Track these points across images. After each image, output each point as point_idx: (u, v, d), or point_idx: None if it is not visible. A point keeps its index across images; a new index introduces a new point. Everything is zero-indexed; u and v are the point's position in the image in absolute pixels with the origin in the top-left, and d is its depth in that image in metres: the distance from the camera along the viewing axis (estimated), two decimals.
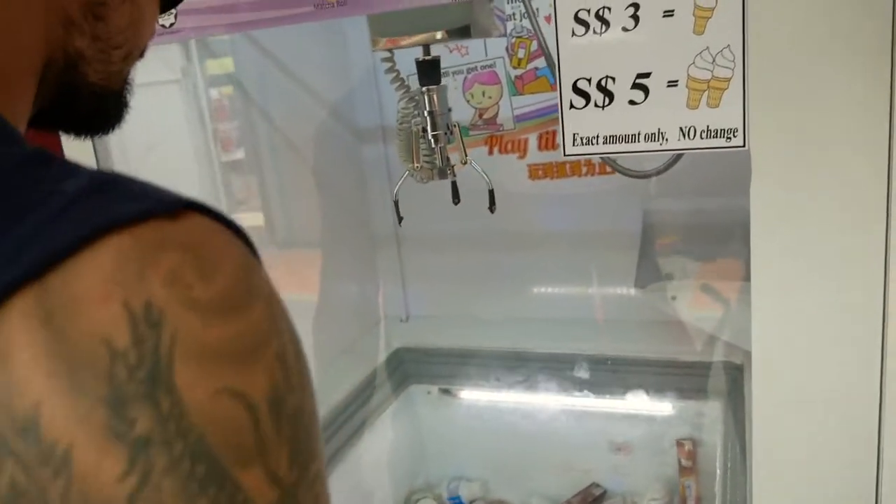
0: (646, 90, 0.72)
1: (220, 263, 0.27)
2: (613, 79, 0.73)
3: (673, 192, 1.41)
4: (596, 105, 0.74)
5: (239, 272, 0.28)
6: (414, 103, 1.05)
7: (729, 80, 0.69)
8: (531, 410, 1.59)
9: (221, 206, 1.32)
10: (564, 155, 0.76)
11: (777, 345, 0.72)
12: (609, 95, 0.73)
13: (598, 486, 1.55)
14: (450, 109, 1.04)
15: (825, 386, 0.71)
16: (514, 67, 1.45)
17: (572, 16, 0.72)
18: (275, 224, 1.50)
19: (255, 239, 0.31)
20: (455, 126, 1.05)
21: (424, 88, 1.02)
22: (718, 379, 1.44)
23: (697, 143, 0.71)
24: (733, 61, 0.68)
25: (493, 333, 1.59)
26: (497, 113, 1.49)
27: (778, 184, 0.69)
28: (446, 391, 1.65)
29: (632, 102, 0.73)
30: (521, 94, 1.47)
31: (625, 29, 0.71)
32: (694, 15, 0.69)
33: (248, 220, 1.45)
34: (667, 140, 0.72)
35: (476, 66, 1.47)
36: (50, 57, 0.37)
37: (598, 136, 0.75)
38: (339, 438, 1.45)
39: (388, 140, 1.59)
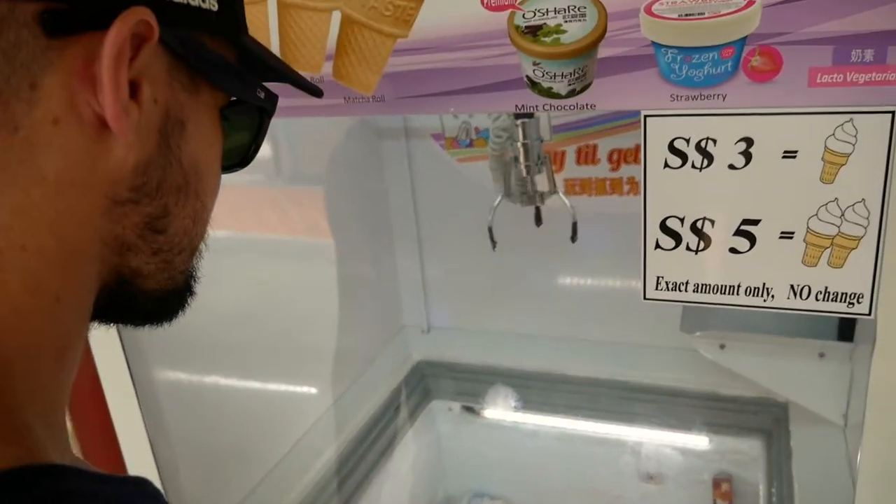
0: (752, 239, 0.59)
1: None
2: (713, 221, 0.60)
3: None
4: (688, 248, 0.61)
5: None
6: (507, 133, 1.03)
7: (860, 238, 0.56)
8: (558, 433, 1.52)
9: None
10: (644, 299, 0.64)
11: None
12: (705, 239, 0.61)
13: None
14: (542, 140, 1.02)
15: None
16: None
17: (667, 144, 0.59)
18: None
19: None
20: (547, 157, 1.04)
21: (519, 121, 0.99)
22: (760, 416, 1.36)
23: (811, 304, 0.59)
24: (867, 218, 0.56)
25: (519, 350, 1.50)
26: None
27: None
28: (469, 409, 1.57)
29: (733, 251, 0.60)
30: None
31: (732, 167, 0.58)
32: (823, 160, 0.55)
33: None
34: (773, 297, 0.60)
35: None
36: (102, 284, 0.34)
37: (687, 283, 0.63)
38: (369, 458, 1.40)
39: (410, 140, 1.46)
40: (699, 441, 1.41)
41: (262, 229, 1.30)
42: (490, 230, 1.10)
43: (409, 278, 1.57)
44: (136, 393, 0.99)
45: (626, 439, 1.47)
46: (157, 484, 1.02)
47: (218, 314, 1.11)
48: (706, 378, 1.35)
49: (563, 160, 1.37)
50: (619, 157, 1.31)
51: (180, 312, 0.41)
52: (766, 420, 1.35)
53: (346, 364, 1.45)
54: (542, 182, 1.08)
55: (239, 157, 0.43)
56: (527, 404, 1.51)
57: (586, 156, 1.35)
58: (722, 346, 1.22)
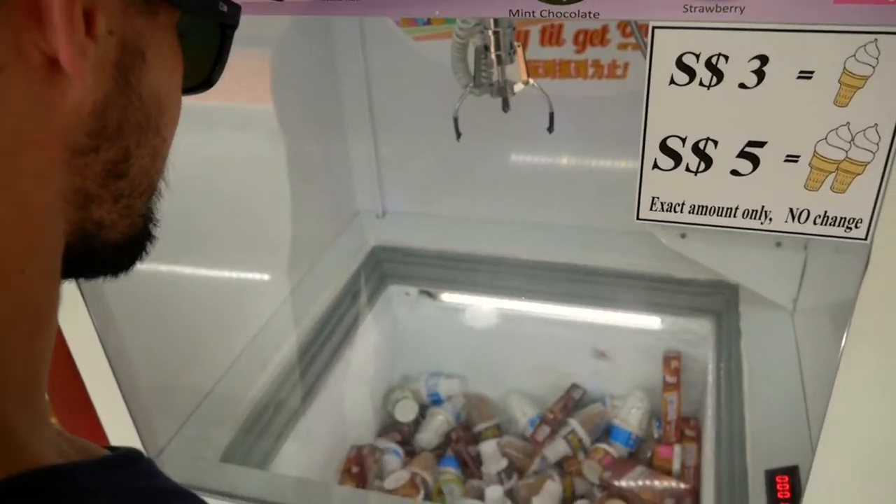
0: (756, 161, 0.57)
1: None
2: (716, 142, 0.57)
3: None
4: (688, 169, 0.58)
5: None
6: (475, 20, 0.93)
7: (866, 164, 0.54)
8: (513, 315, 1.54)
9: None
10: (637, 219, 0.62)
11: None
12: (706, 160, 0.58)
13: (578, 387, 1.55)
14: (513, 27, 0.93)
15: None
16: None
17: (675, 59, 0.54)
18: None
19: None
20: (519, 46, 0.95)
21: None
22: (711, 298, 1.40)
23: (808, 227, 0.58)
24: (877, 144, 0.53)
25: (475, 235, 1.49)
26: None
27: (891, 289, 0.58)
28: (426, 292, 1.57)
29: (735, 173, 0.57)
30: None
31: (743, 85, 0.54)
32: (840, 82, 0.52)
33: None
34: (770, 220, 0.59)
35: None
36: (67, 243, 0.31)
37: (683, 204, 0.60)
38: (329, 346, 1.40)
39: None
40: (650, 321, 1.46)
41: (208, 96, 1.21)
42: (455, 121, 1.04)
43: (363, 162, 1.51)
44: (81, 292, 0.94)
45: (579, 319, 1.50)
46: (116, 390, 0.98)
47: (166, 199, 1.05)
48: (660, 262, 1.37)
49: (526, 41, 1.30)
50: (586, 39, 1.25)
51: (139, 260, 0.37)
52: (717, 301, 1.39)
53: (301, 251, 1.41)
54: (511, 71, 1.01)
55: (201, 79, 0.39)
56: (482, 287, 1.52)
57: (551, 36, 1.28)
58: (683, 236, 1.22)
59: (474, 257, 1.49)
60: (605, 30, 1.22)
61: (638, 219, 0.62)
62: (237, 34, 0.39)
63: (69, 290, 0.92)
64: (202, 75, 0.39)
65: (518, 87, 1.00)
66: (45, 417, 0.31)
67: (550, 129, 1.01)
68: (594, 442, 1.50)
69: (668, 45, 0.54)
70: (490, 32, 0.93)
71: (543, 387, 1.58)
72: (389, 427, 1.58)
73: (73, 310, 0.95)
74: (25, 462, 0.26)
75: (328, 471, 1.41)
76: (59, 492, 0.26)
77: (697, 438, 1.43)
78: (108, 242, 0.33)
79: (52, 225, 0.30)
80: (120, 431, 1.02)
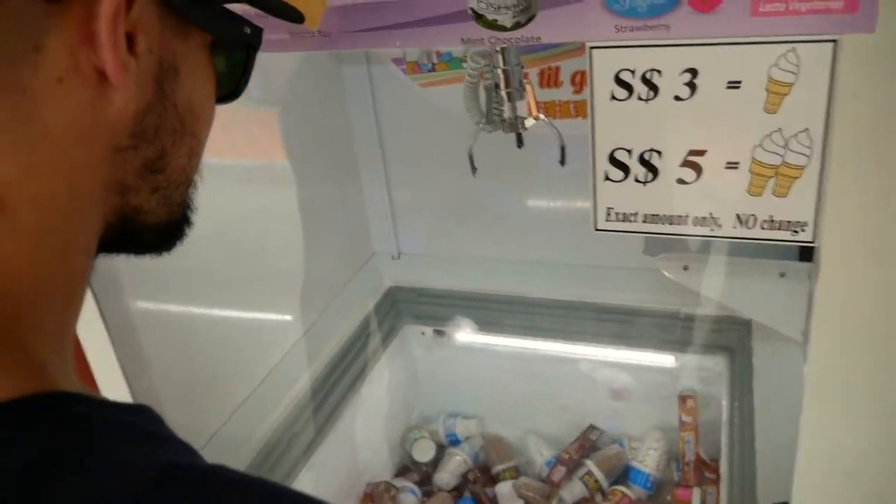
0: (698, 169, 0.59)
1: None
2: (660, 153, 0.60)
3: None
4: (637, 180, 0.61)
5: None
6: (484, 60, 0.98)
7: (803, 167, 0.57)
8: (528, 354, 1.56)
9: None
10: (595, 230, 0.65)
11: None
12: (653, 171, 0.61)
13: (595, 428, 1.55)
14: (521, 66, 0.96)
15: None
16: None
17: (613, 76, 0.58)
18: None
19: None
20: (528, 83, 0.98)
21: (499, 47, 0.92)
22: (724, 334, 1.39)
23: (757, 232, 0.60)
24: (810, 147, 0.56)
25: (489, 274, 1.52)
26: None
27: (844, 289, 0.59)
28: (441, 332, 1.60)
29: (681, 181, 0.60)
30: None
31: (678, 98, 0.57)
32: (767, 90, 0.55)
33: None
34: (720, 226, 0.61)
35: None
36: (105, 224, 0.36)
37: (636, 214, 0.63)
38: (344, 383, 1.43)
39: (371, 65, 1.43)
40: (665, 359, 1.45)
41: (224, 154, 1.28)
42: (471, 157, 1.08)
43: (377, 205, 1.56)
44: (107, 326, 0.99)
45: (594, 358, 1.50)
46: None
47: (187, 245, 1.11)
48: (671, 298, 1.38)
49: None
50: (582, 79, 1.29)
51: (179, 242, 0.43)
52: (731, 337, 1.38)
53: (317, 291, 1.46)
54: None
55: (230, 90, 0.45)
56: (497, 327, 1.53)
57: (549, 78, 1.33)
58: (685, 268, 1.23)
59: (488, 296, 1.52)
60: None
61: (596, 229, 0.65)
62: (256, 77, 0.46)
63: (99, 330, 0.98)
64: (231, 87, 0.45)
65: (529, 122, 1.03)
66: (72, 370, 0.36)
67: (562, 161, 1.02)
68: (612, 484, 1.48)
69: (605, 64, 0.57)
70: (499, 71, 0.96)
71: (560, 427, 1.58)
72: (407, 467, 1.59)
73: (101, 346, 1.00)
74: (53, 388, 0.31)
75: None
76: (78, 414, 0.31)
77: (717, 482, 1.40)
78: (149, 225, 0.39)
79: (93, 209, 0.35)
80: None
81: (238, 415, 1.25)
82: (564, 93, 1.30)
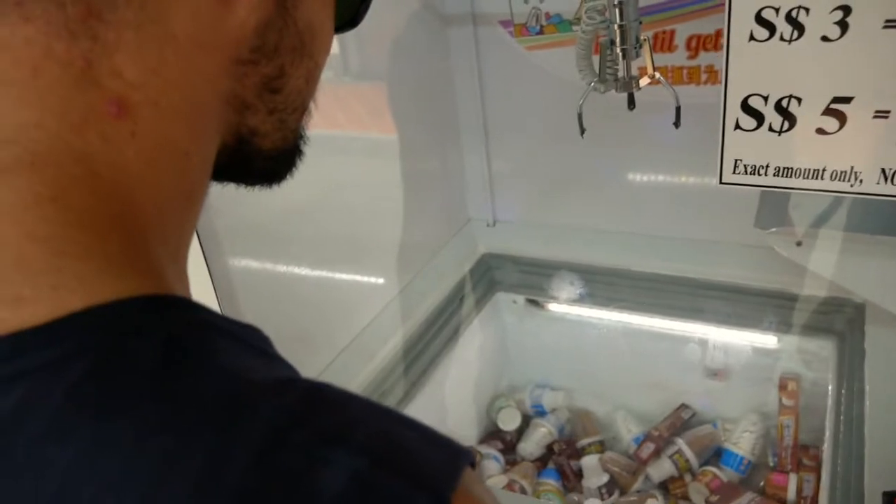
0: (842, 118, 0.55)
1: None
2: (799, 100, 0.56)
3: None
4: (771, 129, 0.58)
5: None
6: (601, 16, 0.93)
7: None
8: (622, 328, 1.52)
9: None
10: (720, 182, 0.62)
11: None
12: (790, 119, 0.57)
13: (687, 407, 1.50)
14: (639, 21, 0.92)
15: None
16: None
17: (753, 14, 0.54)
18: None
19: None
20: (646, 40, 0.93)
21: (616, 1, 0.89)
22: (833, 316, 1.32)
23: None
24: None
25: (586, 245, 1.49)
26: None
27: None
28: (533, 301, 1.58)
29: (821, 131, 0.56)
30: None
31: (826, 38, 0.53)
32: None
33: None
34: (861, 182, 0.57)
35: None
36: (222, 143, 0.36)
37: (767, 167, 0.59)
38: (435, 345, 1.43)
39: (477, 27, 1.41)
40: (767, 340, 1.39)
41: (330, 127, 1.30)
42: (580, 116, 1.04)
43: (476, 171, 1.55)
44: (213, 282, 1.03)
45: (692, 335, 1.46)
46: None
47: (289, 210, 1.13)
48: (778, 276, 1.32)
49: None
50: (698, 44, 1.24)
51: (289, 174, 0.43)
52: (839, 320, 1.32)
53: (412, 256, 1.46)
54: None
55: (349, 17, 0.45)
56: (592, 298, 1.50)
57: (663, 42, 1.28)
58: (798, 244, 1.18)
59: (583, 267, 1.49)
60: (718, 34, 1.21)
61: (721, 182, 0.62)
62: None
63: (205, 282, 1.02)
64: (351, 14, 0.45)
65: (644, 82, 0.99)
66: (188, 284, 0.37)
67: (677, 123, 0.98)
68: (702, 464, 1.44)
69: (746, 1, 0.54)
70: (616, 27, 0.92)
71: (651, 404, 1.54)
72: (491, 434, 1.59)
73: (206, 299, 1.04)
74: (171, 292, 0.31)
75: None
76: (191, 318, 0.30)
77: (817, 469, 1.34)
78: (262, 151, 0.39)
79: (213, 121, 0.36)
80: None
81: (330, 369, 1.28)
82: (678, 58, 1.25)
